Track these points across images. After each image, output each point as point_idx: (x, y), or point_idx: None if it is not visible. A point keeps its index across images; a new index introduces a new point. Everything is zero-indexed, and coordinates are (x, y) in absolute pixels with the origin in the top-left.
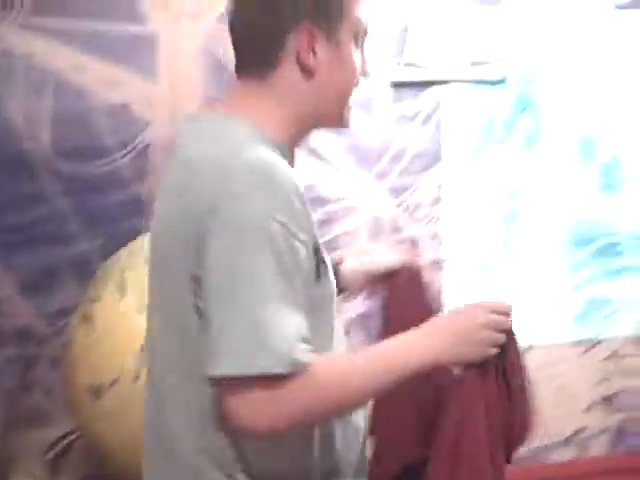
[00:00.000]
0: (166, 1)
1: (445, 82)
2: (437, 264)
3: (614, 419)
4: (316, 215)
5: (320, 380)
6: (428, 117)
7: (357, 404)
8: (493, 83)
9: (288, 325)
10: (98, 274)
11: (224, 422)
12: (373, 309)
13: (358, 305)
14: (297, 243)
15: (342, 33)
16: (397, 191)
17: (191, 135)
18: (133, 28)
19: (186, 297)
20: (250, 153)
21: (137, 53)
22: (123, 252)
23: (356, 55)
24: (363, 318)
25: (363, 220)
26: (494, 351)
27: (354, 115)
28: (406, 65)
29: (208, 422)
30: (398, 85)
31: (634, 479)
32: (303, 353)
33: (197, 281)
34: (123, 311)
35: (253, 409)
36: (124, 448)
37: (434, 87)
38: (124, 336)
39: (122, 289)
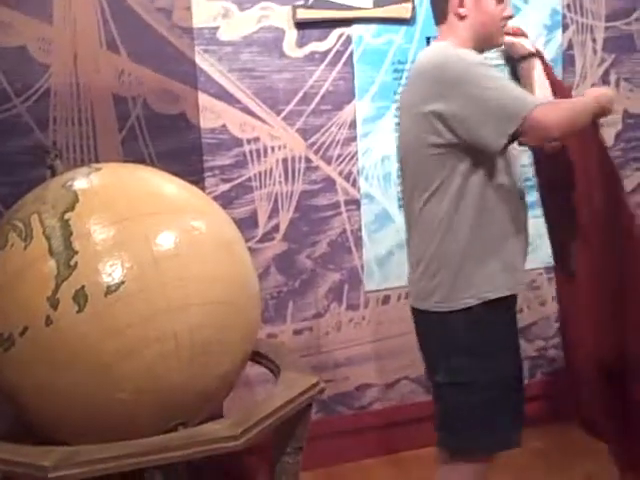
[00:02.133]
0: None
1: (352, 21)
2: (354, 202)
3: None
4: (229, 158)
5: (554, 103)
6: (339, 55)
7: (579, 112)
8: (401, 22)
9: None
10: (2, 222)
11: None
12: (292, 250)
13: (277, 246)
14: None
15: None
16: (309, 131)
17: (425, 53)
18: None
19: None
20: (452, 50)
21: None
22: (28, 198)
23: (493, 7)
24: (281, 258)
25: (276, 160)
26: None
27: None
28: (312, 4)
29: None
30: (305, 25)
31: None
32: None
33: (434, 117)
34: (30, 257)
35: (550, 115)
36: (40, 396)
37: (342, 27)
38: (31, 283)
39: (28, 235)
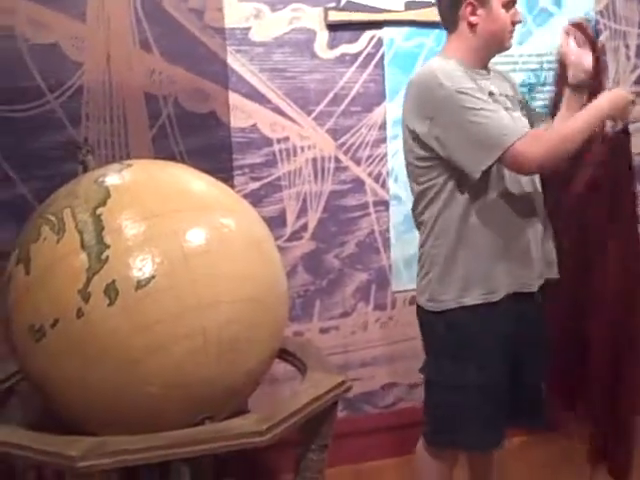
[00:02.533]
0: None
1: (384, 23)
2: (383, 203)
3: None
4: (259, 157)
5: (539, 135)
6: (370, 57)
7: (575, 138)
8: (433, 25)
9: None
10: (35, 215)
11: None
12: (320, 249)
13: (305, 245)
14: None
15: (492, 3)
16: (339, 131)
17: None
18: None
19: (414, 147)
20: (437, 67)
21: None
22: (61, 192)
23: (504, 14)
24: (309, 257)
25: (306, 160)
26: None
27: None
28: (344, 6)
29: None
30: (336, 27)
31: None
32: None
33: (416, 136)
34: (62, 250)
35: (530, 149)
36: (69, 388)
37: (373, 29)
38: (63, 275)
39: (61, 229)
